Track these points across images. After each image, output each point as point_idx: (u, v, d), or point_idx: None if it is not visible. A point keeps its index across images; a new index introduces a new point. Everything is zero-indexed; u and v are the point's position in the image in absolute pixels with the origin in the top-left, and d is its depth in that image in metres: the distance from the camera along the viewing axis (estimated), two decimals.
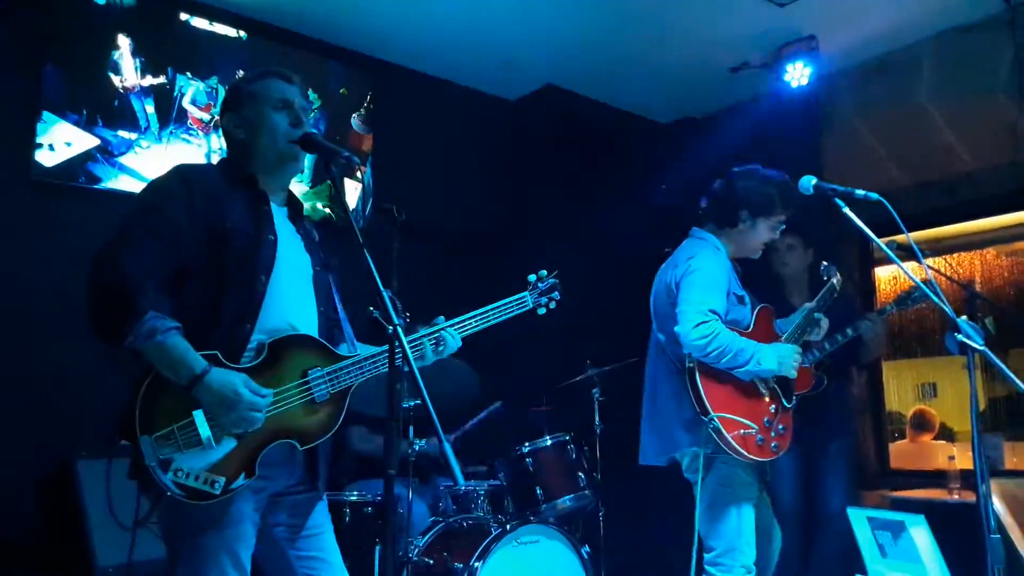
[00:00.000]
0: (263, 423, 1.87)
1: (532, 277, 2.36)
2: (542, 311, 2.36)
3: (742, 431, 2.74)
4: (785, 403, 2.92)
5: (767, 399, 2.88)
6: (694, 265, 2.87)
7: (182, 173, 2.01)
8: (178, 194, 1.95)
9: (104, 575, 3.00)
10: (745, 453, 2.75)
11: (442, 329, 2.18)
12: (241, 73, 4.21)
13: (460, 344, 2.20)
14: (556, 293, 2.38)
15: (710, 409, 2.73)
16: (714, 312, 2.76)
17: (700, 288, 2.81)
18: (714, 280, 2.84)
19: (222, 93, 3.98)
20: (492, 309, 2.25)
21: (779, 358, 2.80)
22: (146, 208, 1.93)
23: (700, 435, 2.76)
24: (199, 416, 1.83)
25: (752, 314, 2.95)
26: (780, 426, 2.87)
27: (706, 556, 2.86)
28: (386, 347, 1.82)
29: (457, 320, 2.20)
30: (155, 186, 2.00)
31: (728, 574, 2.78)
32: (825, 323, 3.07)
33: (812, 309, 3.03)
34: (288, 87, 2.17)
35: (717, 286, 2.84)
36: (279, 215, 2.13)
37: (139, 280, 1.82)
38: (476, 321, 2.23)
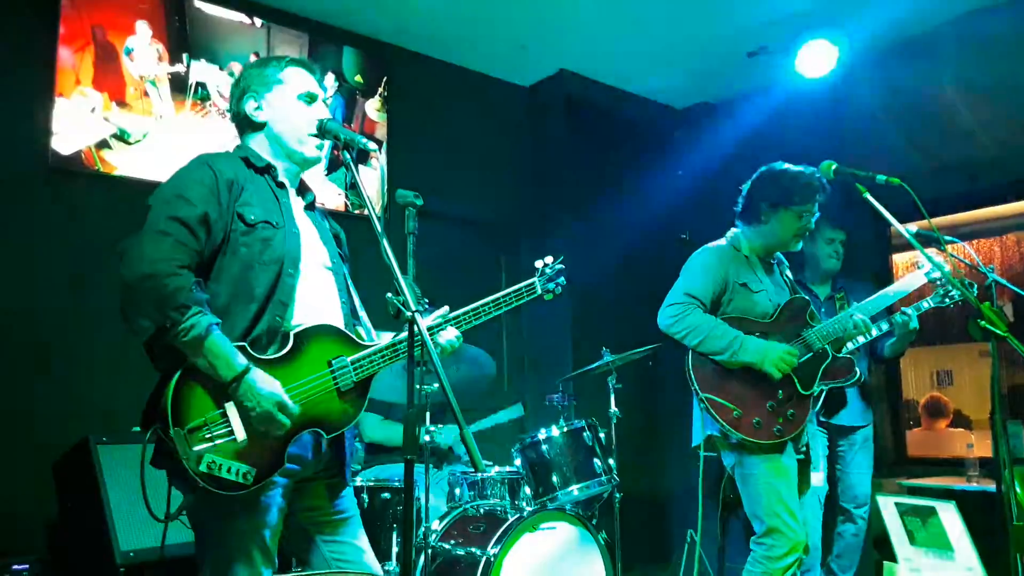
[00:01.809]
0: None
1: (539, 263, 2.37)
2: (549, 296, 2.37)
3: (734, 413, 2.86)
4: (801, 390, 2.95)
5: (775, 383, 2.92)
6: (690, 259, 3.12)
7: (206, 163, 1.99)
8: (205, 183, 1.93)
9: (126, 559, 3.02)
10: (738, 434, 2.85)
11: (447, 322, 2.16)
12: (254, 57, 4.20)
13: (459, 343, 2.20)
14: (562, 278, 2.39)
15: (699, 391, 2.91)
16: (691, 296, 2.97)
17: (685, 277, 3.06)
18: (700, 269, 3.05)
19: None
20: (503, 296, 2.26)
21: (763, 354, 2.88)
22: (173, 199, 1.90)
23: (707, 419, 2.93)
24: (231, 408, 1.84)
25: (774, 305, 3.04)
26: (789, 411, 2.91)
27: (753, 538, 2.93)
28: (406, 334, 1.82)
29: (470, 308, 2.19)
30: (180, 176, 1.97)
31: (769, 553, 2.82)
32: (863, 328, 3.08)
33: (851, 313, 3.07)
34: (312, 79, 2.17)
35: (701, 274, 3.03)
36: (296, 206, 2.13)
37: (177, 273, 1.81)
38: (488, 308, 2.23)
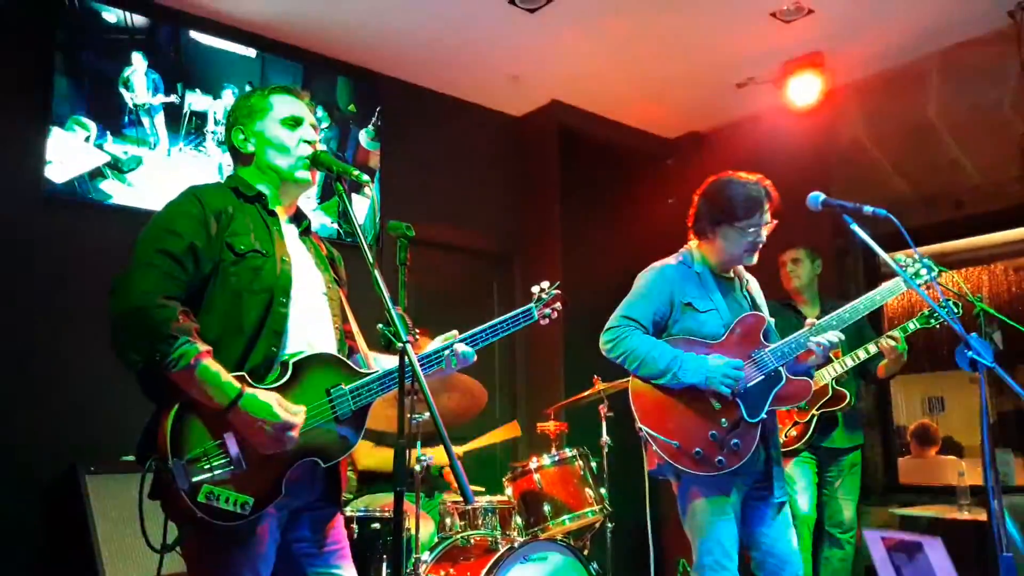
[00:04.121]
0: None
1: (536, 289, 2.37)
2: (545, 322, 2.36)
3: (674, 445, 2.70)
4: (748, 417, 2.72)
5: (718, 412, 2.73)
6: (637, 279, 2.96)
7: (195, 194, 2.01)
8: (194, 215, 1.95)
9: None
10: (677, 466, 2.69)
11: (454, 344, 2.17)
12: (248, 88, 4.23)
13: (475, 357, 2.19)
14: (558, 304, 2.39)
15: (638, 421, 2.77)
16: (630, 319, 2.83)
17: (628, 299, 2.91)
18: (643, 290, 2.90)
19: None
20: (501, 322, 2.26)
21: (707, 373, 2.68)
22: (162, 231, 1.92)
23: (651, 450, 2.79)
24: (230, 438, 1.84)
25: (724, 324, 2.83)
26: (733, 441, 2.69)
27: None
28: (405, 363, 1.83)
29: (468, 335, 2.20)
30: (170, 208, 1.99)
31: None
32: (830, 336, 2.80)
33: (806, 331, 2.81)
34: (298, 103, 2.19)
35: (644, 295, 2.88)
36: (290, 233, 2.14)
37: (164, 305, 1.83)
38: (486, 334, 2.23)
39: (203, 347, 1.83)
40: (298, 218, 2.22)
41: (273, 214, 2.11)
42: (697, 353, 2.77)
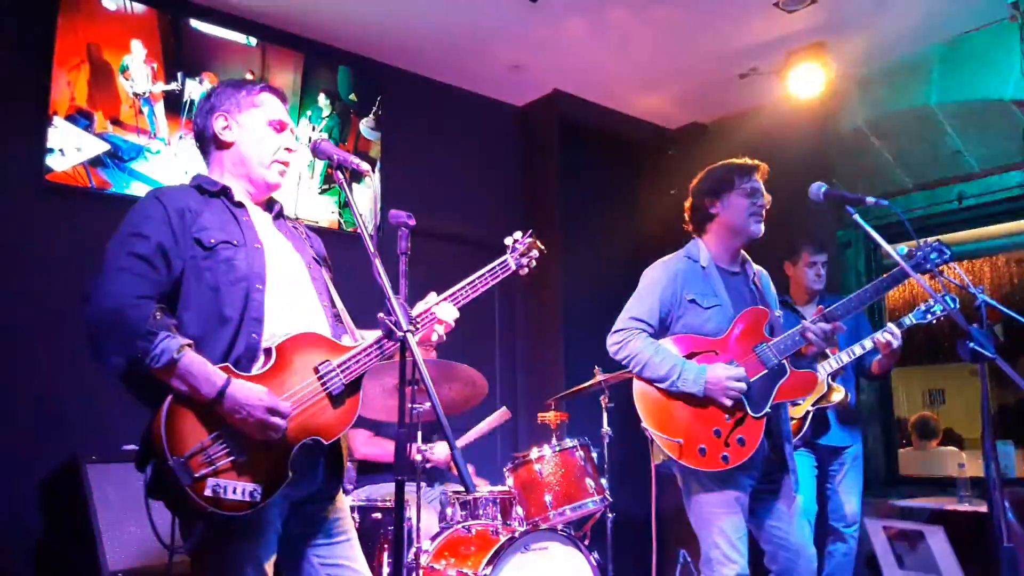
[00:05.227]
0: (287, 427, 1.88)
1: (509, 240, 2.40)
2: (524, 272, 2.40)
3: (679, 442, 2.72)
4: (752, 412, 2.73)
5: (721, 407, 2.74)
6: (642, 276, 2.99)
7: (155, 197, 2.01)
8: (156, 216, 1.95)
9: None
10: (679, 462, 2.72)
11: (437, 303, 2.20)
12: (249, 76, 4.22)
13: (457, 313, 2.23)
14: (535, 251, 2.42)
15: (643, 421, 2.80)
16: (637, 319, 2.87)
17: (634, 298, 2.95)
18: (646, 289, 2.94)
19: None
20: (479, 276, 2.30)
21: (703, 383, 2.71)
22: (128, 235, 1.93)
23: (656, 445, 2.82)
24: (226, 430, 1.84)
25: (729, 319, 2.83)
26: (739, 437, 2.71)
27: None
28: (388, 333, 1.85)
29: (448, 292, 2.24)
30: (131, 215, 1.99)
31: None
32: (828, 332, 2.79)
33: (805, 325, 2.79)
34: (284, 108, 2.21)
35: (647, 294, 2.92)
36: (262, 222, 2.14)
37: (139, 304, 1.83)
38: (465, 291, 2.26)
39: (184, 340, 1.83)
40: (269, 205, 2.22)
41: (240, 205, 2.10)
42: (700, 352, 2.79)
